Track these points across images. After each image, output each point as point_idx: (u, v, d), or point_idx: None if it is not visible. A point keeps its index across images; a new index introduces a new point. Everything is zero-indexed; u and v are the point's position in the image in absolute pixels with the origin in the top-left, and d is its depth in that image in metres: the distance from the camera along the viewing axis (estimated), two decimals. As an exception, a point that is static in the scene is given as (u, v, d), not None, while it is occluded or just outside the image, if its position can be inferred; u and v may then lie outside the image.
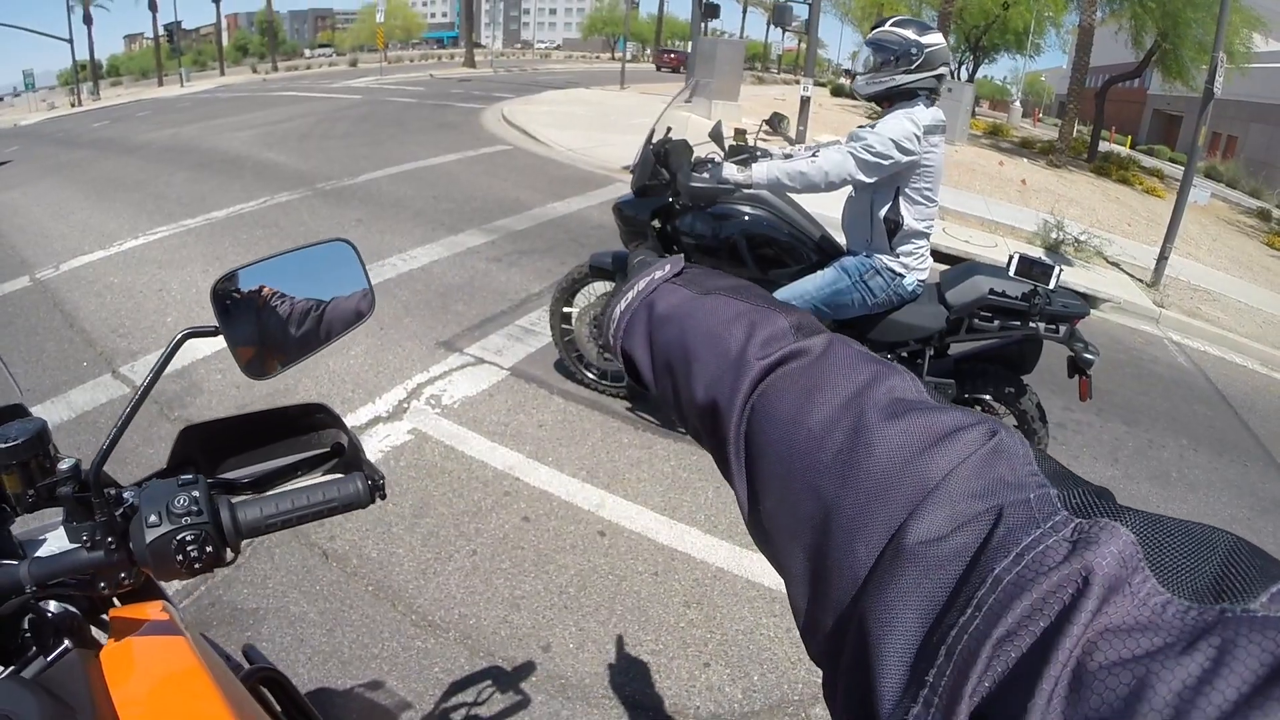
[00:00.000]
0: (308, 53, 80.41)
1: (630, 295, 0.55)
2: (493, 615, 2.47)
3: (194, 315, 5.16)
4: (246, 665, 1.12)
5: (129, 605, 0.89)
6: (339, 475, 0.86)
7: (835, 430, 0.37)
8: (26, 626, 0.76)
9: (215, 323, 0.84)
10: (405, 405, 3.74)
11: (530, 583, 2.63)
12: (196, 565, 0.75)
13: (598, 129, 12.33)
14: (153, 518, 0.75)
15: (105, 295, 5.66)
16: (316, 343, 0.97)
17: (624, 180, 8.09)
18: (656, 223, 3.34)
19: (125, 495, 0.79)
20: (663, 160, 3.23)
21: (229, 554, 0.78)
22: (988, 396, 3.12)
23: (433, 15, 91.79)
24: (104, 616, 0.87)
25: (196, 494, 0.76)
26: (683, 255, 3.06)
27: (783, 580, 0.39)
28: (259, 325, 0.92)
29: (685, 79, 16.86)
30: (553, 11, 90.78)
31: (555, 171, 9.14)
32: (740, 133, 3.50)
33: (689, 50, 19.14)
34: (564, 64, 47.12)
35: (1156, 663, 0.23)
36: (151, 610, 0.86)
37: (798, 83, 16.57)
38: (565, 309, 3.78)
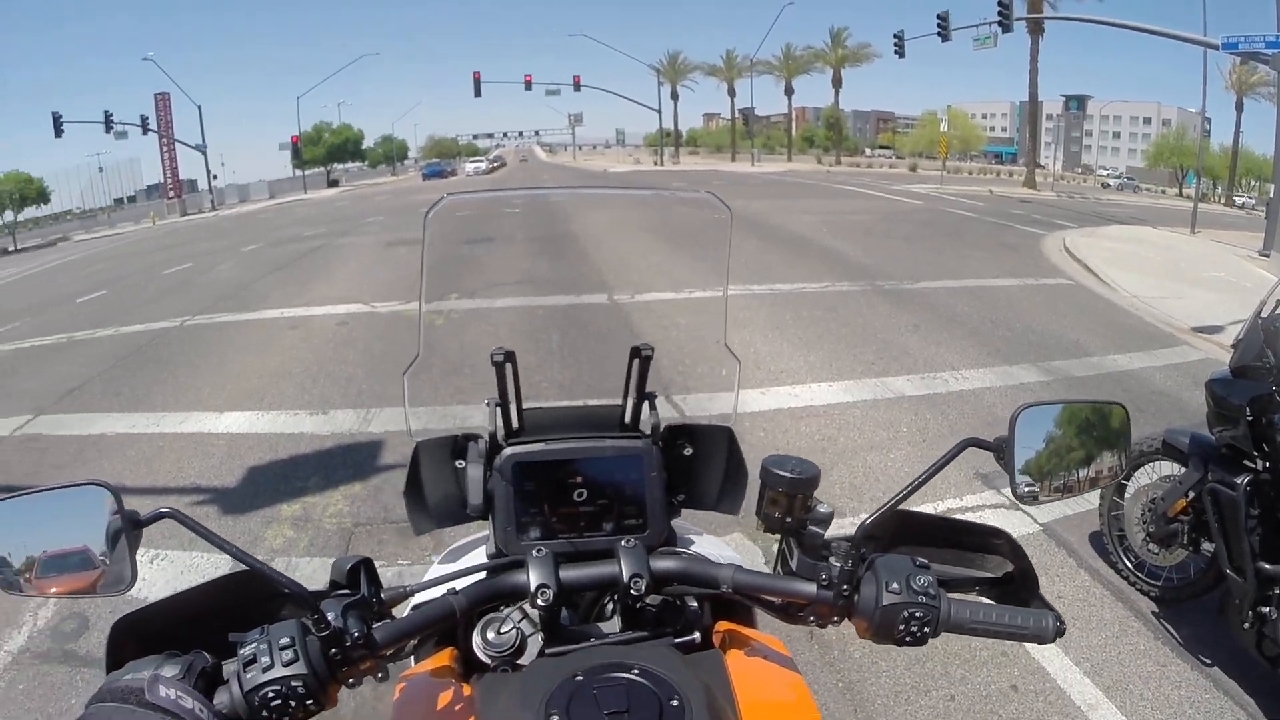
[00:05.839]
0: (868, 151, 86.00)
1: None
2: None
3: (747, 373, 5.95)
4: None
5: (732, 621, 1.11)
6: (1031, 608, 0.95)
7: None
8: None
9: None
10: (930, 528, 3.77)
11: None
12: (906, 639, 0.89)
13: (1166, 276, 10.88)
14: (894, 585, 0.89)
15: (671, 330, 6.94)
16: None
17: (1193, 342, 7.40)
18: (1250, 414, 2.82)
19: (873, 557, 0.93)
20: (1272, 340, 2.73)
21: (927, 638, 0.90)
22: None
23: (992, 129, 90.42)
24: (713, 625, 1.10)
25: (926, 580, 0.89)
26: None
27: None
28: None
29: (1267, 229, 13.89)
30: (1116, 135, 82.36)
31: (1118, 318, 8.39)
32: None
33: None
34: (1124, 195, 42.69)
35: None
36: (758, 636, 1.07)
37: None
38: (1121, 481, 3.42)
